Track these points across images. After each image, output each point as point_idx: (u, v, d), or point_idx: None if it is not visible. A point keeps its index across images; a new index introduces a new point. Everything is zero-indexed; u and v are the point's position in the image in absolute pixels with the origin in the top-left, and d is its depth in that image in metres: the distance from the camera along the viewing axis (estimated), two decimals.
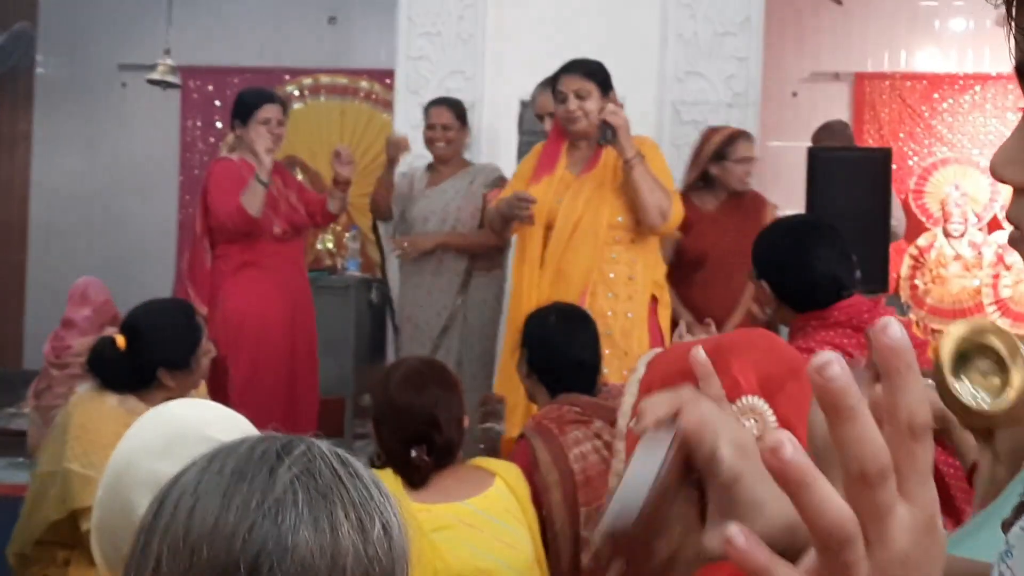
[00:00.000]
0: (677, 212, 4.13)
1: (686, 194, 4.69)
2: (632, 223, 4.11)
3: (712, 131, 5.08)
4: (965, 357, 2.11)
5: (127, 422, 3.09)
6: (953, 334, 1.98)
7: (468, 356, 5.07)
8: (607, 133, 4.02)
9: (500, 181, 5.05)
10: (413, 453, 2.62)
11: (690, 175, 5.00)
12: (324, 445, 1.02)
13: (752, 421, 1.64)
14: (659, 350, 1.98)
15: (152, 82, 7.80)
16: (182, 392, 3.22)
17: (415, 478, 2.64)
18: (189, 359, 3.21)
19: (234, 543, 0.91)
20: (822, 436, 1.12)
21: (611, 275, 4.02)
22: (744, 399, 1.65)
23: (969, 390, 1.91)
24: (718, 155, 4.91)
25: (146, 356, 3.18)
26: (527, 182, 4.24)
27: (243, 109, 5.02)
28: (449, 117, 5.25)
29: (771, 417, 1.66)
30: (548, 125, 4.81)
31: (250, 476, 0.95)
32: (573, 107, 4.13)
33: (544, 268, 4.05)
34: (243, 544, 0.91)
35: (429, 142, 5.30)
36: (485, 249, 5.13)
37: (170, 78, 7.73)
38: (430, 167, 5.37)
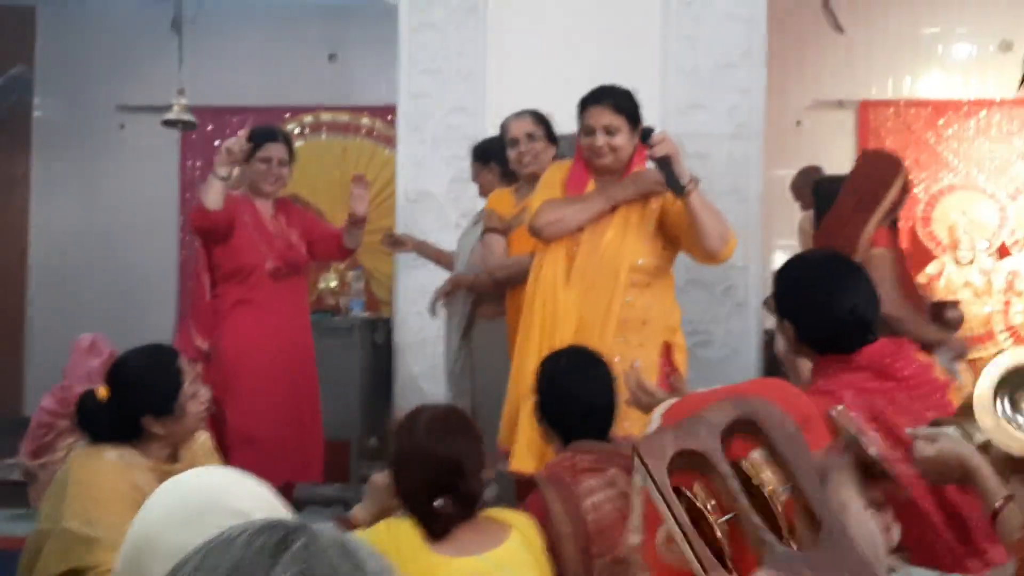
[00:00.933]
0: (734, 241, 3.97)
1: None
2: (654, 266, 3.97)
3: (889, 169, 4.77)
4: (1008, 386, 2.08)
5: (127, 477, 3.04)
6: (998, 366, 1.95)
7: (482, 402, 4.94)
8: (672, 180, 3.82)
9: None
10: (439, 502, 2.53)
11: (879, 216, 4.72)
12: (328, 535, 0.96)
13: (766, 474, 1.60)
14: (674, 400, 1.93)
15: (168, 123, 7.75)
16: (176, 440, 3.14)
17: (437, 528, 2.55)
18: (171, 404, 3.12)
19: None
20: None
21: (623, 319, 3.89)
22: (755, 453, 1.60)
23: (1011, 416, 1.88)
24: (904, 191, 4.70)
25: (128, 405, 3.11)
26: (560, 193, 4.09)
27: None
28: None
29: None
30: (523, 147, 4.76)
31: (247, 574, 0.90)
32: (600, 143, 3.96)
33: (560, 306, 3.89)
34: None
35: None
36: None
37: (186, 117, 7.68)
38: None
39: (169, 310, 8.68)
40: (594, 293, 3.89)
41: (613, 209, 3.97)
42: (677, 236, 3.99)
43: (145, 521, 1.57)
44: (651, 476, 1.19)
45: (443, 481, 2.55)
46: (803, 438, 1.44)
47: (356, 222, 5.16)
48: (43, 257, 9.10)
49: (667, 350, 3.98)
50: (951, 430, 2.31)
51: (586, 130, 4.01)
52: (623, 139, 3.97)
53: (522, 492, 3.65)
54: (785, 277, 3.01)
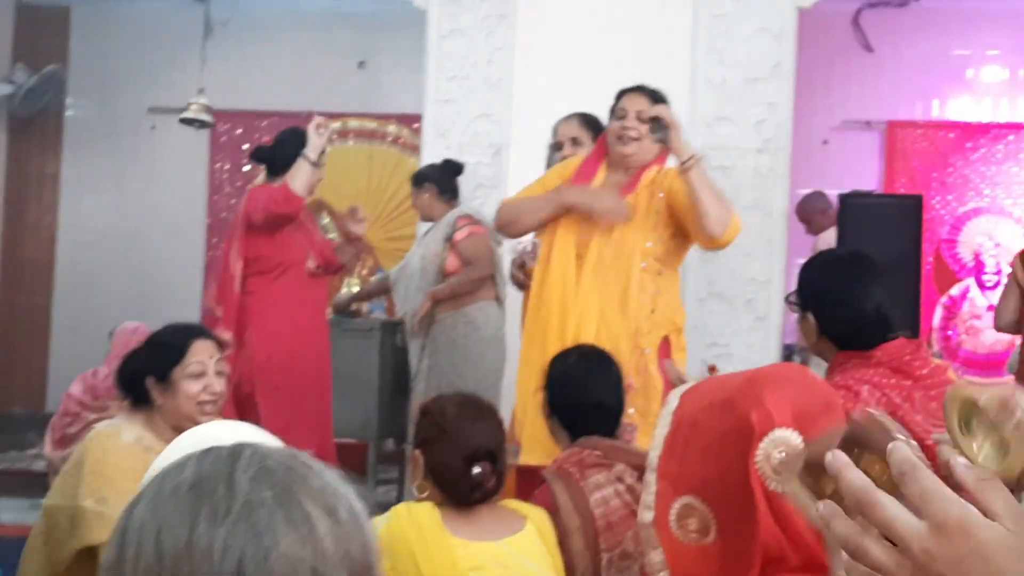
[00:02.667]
0: (735, 226, 3.88)
1: None
2: (663, 253, 3.94)
3: None
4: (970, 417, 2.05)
5: (143, 460, 3.06)
6: (955, 397, 1.93)
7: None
8: (661, 130, 3.87)
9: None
10: (477, 469, 2.55)
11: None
12: (270, 444, 1.02)
13: (783, 454, 1.61)
14: (692, 383, 1.94)
15: (185, 121, 7.80)
16: (173, 420, 3.08)
17: (475, 496, 2.57)
18: (168, 373, 3.14)
19: (212, 557, 0.89)
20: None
21: (635, 304, 3.88)
22: (776, 432, 1.61)
23: (975, 450, 1.86)
24: None
25: (136, 361, 3.15)
26: (563, 183, 4.08)
27: (296, 148, 4.96)
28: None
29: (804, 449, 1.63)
30: (567, 151, 4.68)
31: (208, 488, 0.93)
32: (631, 124, 3.94)
33: (578, 296, 3.86)
34: (222, 556, 0.89)
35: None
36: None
37: (203, 116, 7.73)
38: None
39: (194, 311, 8.68)
40: (612, 280, 3.86)
41: (566, 209, 3.96)
42: (683, 221, 3.93)
43: (161, 464, 1.60)
44: None
45: (482, 450, 2.58)
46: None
47: (352, 240, 5.25)
48: (70, 255, 9.16)
49: (666, 344, 3.94)
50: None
51: (619, 114, 4.01)
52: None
53: (522, 486, 3.66)
54: (812, 271, 3.03)
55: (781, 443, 1.65)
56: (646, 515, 1.80)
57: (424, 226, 5.69)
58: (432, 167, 5.63)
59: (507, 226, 4.19)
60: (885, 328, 2.84)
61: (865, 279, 2.90)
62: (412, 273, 5.47)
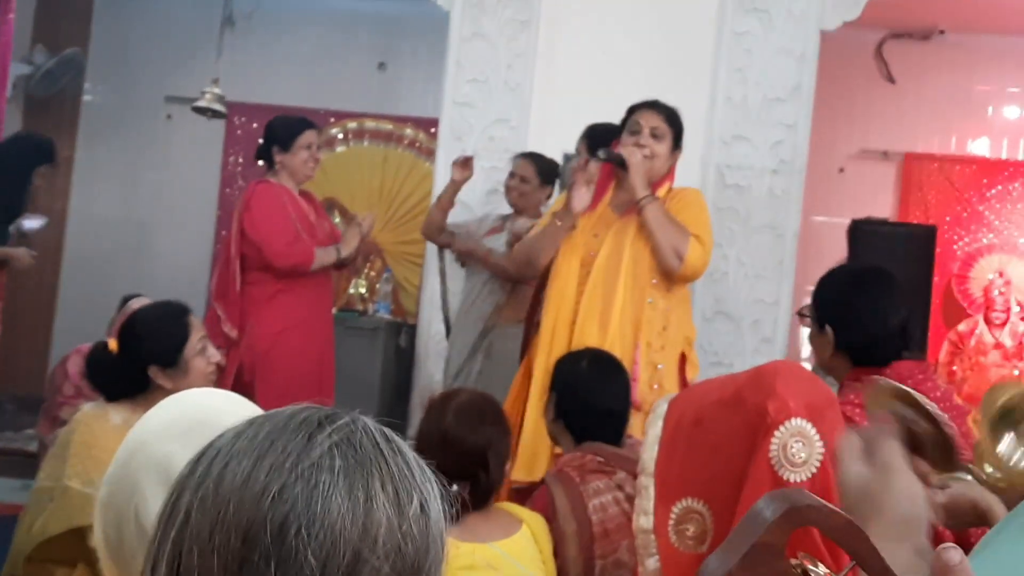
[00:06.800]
0: (696, 257, 3.90)
1: None
2: None
3: None
4: (1009, 418, 2.00)
5: None
6: (998, 393, 1.88)
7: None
8: (612, 155, 3.92)
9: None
10: (455, 488, 2.52)
11: None
12: (370, 420, 1.00)
13: (800, 444, 1.59)
14: (675, 394, 1.90)
15: (197, 110, 7.79)
16: None
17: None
18: (177, 356, 3.12)
19: (263, 502, 0.90)
20: (856, 488, 1.17)
21: (645, 320, 3.85)
22: (793, 421, 1.59)
23: (1012, 448, 1.82)
24: None
25: (135, 354, 3.12)
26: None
27: (284, 135, 4.98)
28: (530, 171, 5.32)
29: (817, 440, 1.61)
30: (643, 139, 4.62)
31: (286, 439, 0.94)
32: (645, 141, 3.97)
33: (580, 306, 3.87)
34: (271, 503, 0.89)
35: (506, 190, 5.40)
36: (506, 275, 5.09)
37: (216, 106, 7.72)
38: (507, 217, 5.41)
39: (200, 303, 8.65)
40: (616, 294, 3.85)
41: (571, 228, 3.99)
42: None
43: (143, 428, 1.59)
44: None
45: (465, 469, 2.54)
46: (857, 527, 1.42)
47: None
48: (79, 241, 9.13)
49: (682, 362, 3.94)
50: (961, 474, 2.26)
51: (632, 128, 4.03)
52: (664, 149, 3.98)
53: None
54: (832, 283, 3.00)
55: (797, 432, 1.63)
56: (644, 521, 1.76)
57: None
58: (545, 162, 5.50)
59: (526, 267, 4.23)
60: (902, 345, 2.81)
61: (887, 293, 2.88)
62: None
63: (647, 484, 1.73)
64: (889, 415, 1.43)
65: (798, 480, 1.62)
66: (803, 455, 1.63)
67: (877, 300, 2.86)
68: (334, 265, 5.10)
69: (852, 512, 1.16)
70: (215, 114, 7.85)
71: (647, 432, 1.78)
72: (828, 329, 2.87)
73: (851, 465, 1.20)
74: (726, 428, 1.68)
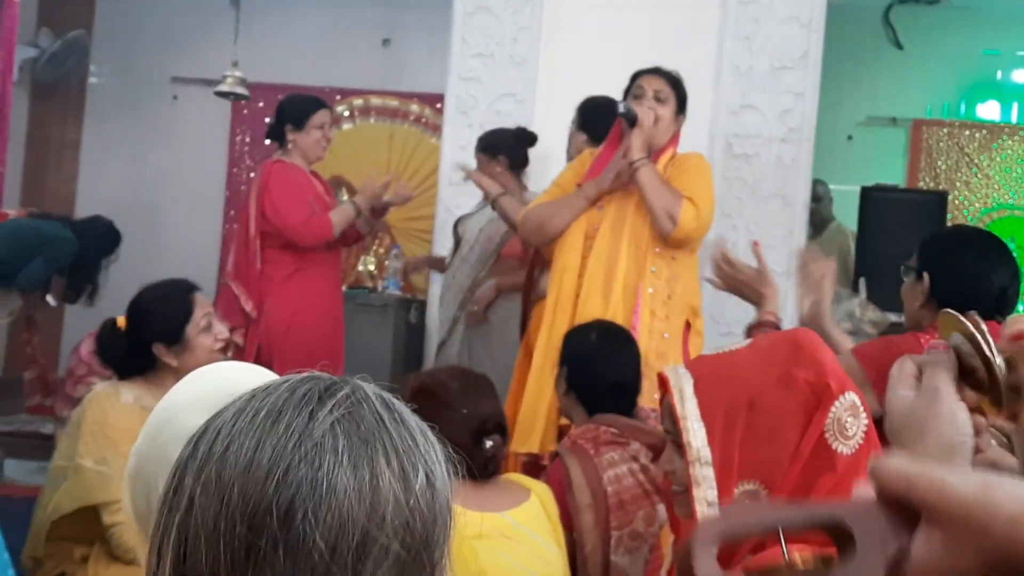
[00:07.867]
0: (689, 219, 3.80)
1: None
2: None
3: None
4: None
5: (142, 418, 3.03)
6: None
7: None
8: (630, 112, 3.86)
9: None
10: (488, 443, 2.52)
11: None
12: (370, 388, 0.99)
13: (851, 417, 1.64)
14: (684, 366, 1.87)
15: (220, 94, 7.79)
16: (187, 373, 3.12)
17: (487, 469, 2.55)
18: (180, 333, 3.13)
19: (268, 486, 0.89)
20: (901, 411, 1.17)
21: (650, 290, 3.82)
22: (848, 395, 1.64)
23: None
24: None
25: (140, 332, 3.13)
26: (580, 180, 4.05)
27: (297, 113, 4.98)
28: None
29: (862, 412, 1.67)
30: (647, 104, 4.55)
31: (287, 418, 0.93)
32: (649, 104, 3.92)
33: (584, 278, 3.84)
34: (277, 487, 0.89)
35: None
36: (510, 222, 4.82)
37: (239, 89, 7.72)
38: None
39: (210, 284, 8.65)
40: (619, 264, 3.82)
41: (593, 203, 3.94)
42: None
43: (171, 401, 1.61)
44: None
45: (492, 424, 2.55)
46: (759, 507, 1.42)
47: (376, 213, 5.19)
48: None
49: (686, 330, 3.91)
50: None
51: (636, 92, 3.98)
52: (668, 113, 3.95)
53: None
54: (941, 237, 3.08)
55: (850, 406, 1.65)
56: (709, 512, 1.68)
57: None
58: (504, 135, 5.26)
59: (535, 233, 4.10)
60: (997, 308, 2.79)
61: (995, 255, 2.88)
62: (469, 240, 5.23)
63: (707, 474, 1.67)
64: (947, 344, 1.44)
65: (847, 452, 1.63)
66: (854, 428, 1.65)
67: (982, 256, 2.86)
68: (357, 232, 5.13)
69: (896, 436, 1.17)
70: (238, 98, 7.87)
71: (681, 412, 1.71)
72: (925, 277, 2.86)
73: (899, 389, 1.19)
74: (781, 412, 1.65)
